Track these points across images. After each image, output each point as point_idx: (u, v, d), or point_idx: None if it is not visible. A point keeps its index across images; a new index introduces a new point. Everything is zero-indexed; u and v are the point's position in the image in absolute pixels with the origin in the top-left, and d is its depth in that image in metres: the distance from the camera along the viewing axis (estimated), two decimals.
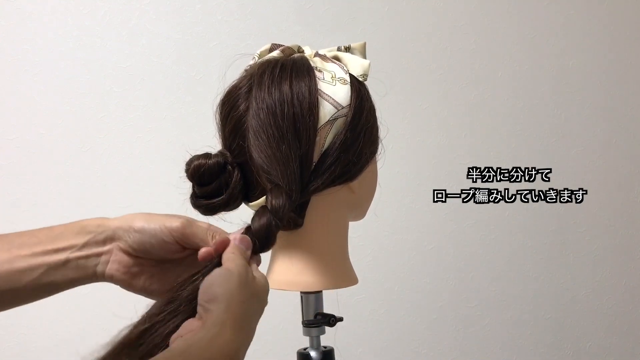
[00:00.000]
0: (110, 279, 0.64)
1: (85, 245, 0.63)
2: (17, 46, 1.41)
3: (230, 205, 0.72)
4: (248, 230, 0.66)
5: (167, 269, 0.66)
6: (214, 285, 0.56)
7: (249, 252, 0.63)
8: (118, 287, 0.67)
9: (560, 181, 1.54)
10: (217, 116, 0.74)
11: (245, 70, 0.76)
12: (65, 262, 0.62)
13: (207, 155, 0.71)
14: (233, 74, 0.76)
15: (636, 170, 1.63)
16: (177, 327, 0.56)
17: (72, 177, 1.42)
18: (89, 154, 1.42)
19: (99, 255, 0.63)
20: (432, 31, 1.54)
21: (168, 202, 1.41)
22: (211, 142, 0.74)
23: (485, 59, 1.56)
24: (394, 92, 1.47)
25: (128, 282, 0.65)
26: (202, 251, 0.61)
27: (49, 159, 1.42)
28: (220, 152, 0.72)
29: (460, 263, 1.56)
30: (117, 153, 1.43)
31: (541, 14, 1.58)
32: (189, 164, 0.71)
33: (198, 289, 0.57)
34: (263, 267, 0.70)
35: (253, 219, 0.67)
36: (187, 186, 0.73)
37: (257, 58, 0.77)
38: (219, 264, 0.60)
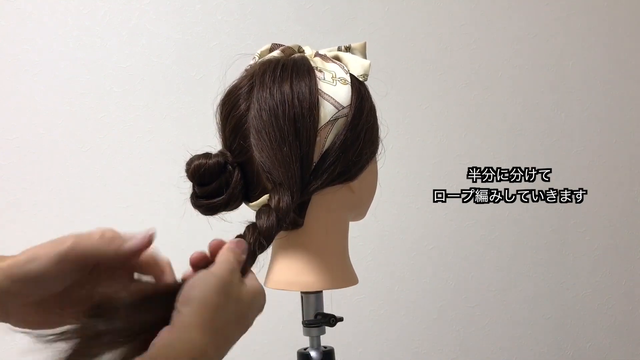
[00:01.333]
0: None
1: None
2: (17, 46, 1.41)
3: (230, 205, 0.72)
4: (254, 228, 0.65)
5: (71, 292, 0.57)
6: (192, 288, 0.55)
7: (244, 256, 0.61)
8: None
9: (560, 181, 1.54)
10: (218, 116, 0.74)
11: (246, 70, 0.76)
12: None
13: (207, 155, 0.71)
14: (233, 74, 0.76)
15: (636, 170, 1.63)
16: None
17: (72, 177, 1.42)
18: (89, 154, 1.42)
19: None
20: (432, 31, 1.54)
21: (168, 202, 1.41)
22: (211, 142, 0.74)
23: (485, 59, 1.56)
24: (394, 92, 1.47)
25: (45, 326, 0.55)
26: (194, 256, 0.60)
27: (49, 159, 1.42)
28: (220, 152, 0.72)
29: (460, 263, 1.56)
30: (117, 153, 1.43)
31: (541, 14, 1.58)
32: (189, 163, 0.71)
33: (173, 294, 0.55)
34: (263, 268, 0.70)
35: (259, 217, 0.66)
36: (187, 186, 0.72)
37: (257, 58, 0.77)
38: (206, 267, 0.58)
